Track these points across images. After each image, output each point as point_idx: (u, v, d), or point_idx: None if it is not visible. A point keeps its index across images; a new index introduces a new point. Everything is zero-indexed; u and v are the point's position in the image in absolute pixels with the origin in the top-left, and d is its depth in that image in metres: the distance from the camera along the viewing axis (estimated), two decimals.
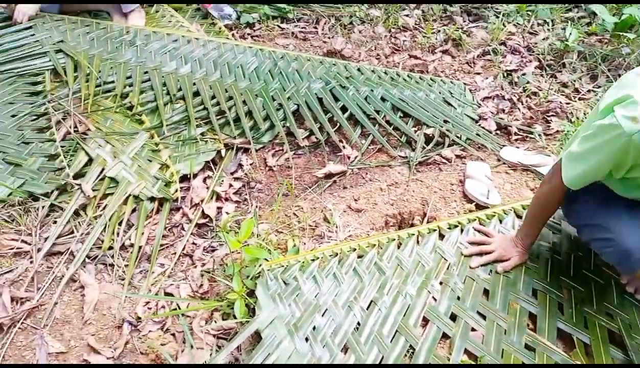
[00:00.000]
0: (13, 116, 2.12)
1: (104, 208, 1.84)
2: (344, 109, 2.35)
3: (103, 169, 1.94)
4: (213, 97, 2.34)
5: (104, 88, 2.31)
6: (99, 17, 2.89)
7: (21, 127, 2.08)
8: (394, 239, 1.64)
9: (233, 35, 2.90)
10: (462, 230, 1.71)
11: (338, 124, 2.28)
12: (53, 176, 1.89)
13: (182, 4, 3.15)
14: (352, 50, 2.80)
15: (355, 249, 1.59)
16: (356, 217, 1.83)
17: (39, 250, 1.70)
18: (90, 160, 1.98)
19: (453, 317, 1.46)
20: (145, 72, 2.43)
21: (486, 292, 1.55)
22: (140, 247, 1.74)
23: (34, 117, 2.14)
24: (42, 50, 2.48)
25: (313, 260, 1.55)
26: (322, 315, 1.42)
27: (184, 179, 2.00)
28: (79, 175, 1.93)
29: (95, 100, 2.24)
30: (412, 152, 2.15)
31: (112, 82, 2.35)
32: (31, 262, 1.67)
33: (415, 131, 2.26)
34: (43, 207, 1.81)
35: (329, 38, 2.93)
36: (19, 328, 1.49)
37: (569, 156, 1.33)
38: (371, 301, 1.47)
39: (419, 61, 2.77)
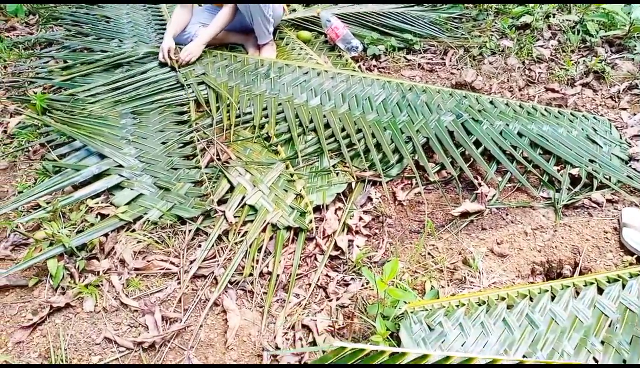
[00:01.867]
0: (163, 143, 2.30)
1: (244, 234, 1.91)
2: (476, 144, 2.26)
3: (243, 197, 2.02)
4: (343, 130, 2.37)
5: (242, 119, 2.44)
6: (235, 50, 3.09)
7: (170, 154, 2.24)
8: (547, 290, 1.52)
9: (359, 67, 2.94)
10: (623, 286, 1.54)
11: (471, 159, 2.20)
12: (199, 201, 2.01)
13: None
14: (483, 83, 2.70)
15: (504, 298, 1.50)
16: (500, 262, 1.72)
17: (185, 272, 1.80)
18: (231, 188, 2.08)
19: None
20: (279, 104, 2.54)
21: None
22: (277, 276, 1.78)
23: (181, 145, 2.30)
24: (186, 82, 2.68)
25: (458, 306, 1.48)
26: None
27: (316, 209, 2.03)
28: (220, 201, 2.04)
29: (235, 130, 2.37)
30: (556, 193, 2.00)
31: (250, 113, 2.48)
32: (178, 283, 1.77)
33: (559, 170, 2.11)
34: (190, 230, 1.93)
35: (457, 70, 2.87)
36: (169, 347, 1.57)
37: None
38: (524, 356, 1.36)
39: (556, 95, 2.61)
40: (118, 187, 2.08)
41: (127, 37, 3.13)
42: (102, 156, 2.19)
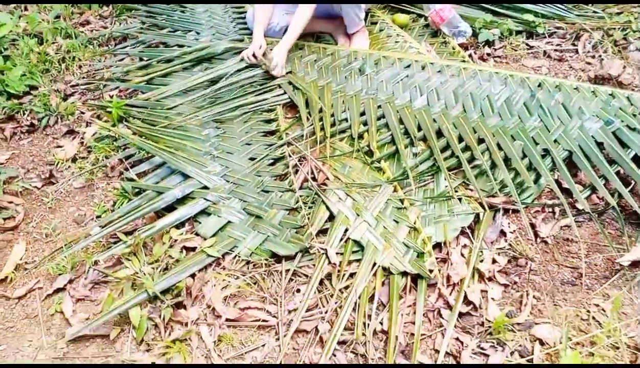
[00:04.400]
0: (251, 159, 2.00)
1: (350, 277, 1.59)
2: (635, 160, 1.79)
3: (346, 229, 1.69)
4: (460, 140, 1.96)
5: (338, 128, 2.08)
6: (322, 40, 2.72)
7: (259, 173, 1.95)
8: None
9: (470, 56, 2.49)
10: None
11: (632, 183, 1.73)
12: (295, 235, 1.70)
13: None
14: (632, 76, 2.18)
15: None
16: None
17: (285, 324, 1.51)
18: (330, 216, 1.76)
19: None
20: (379, 106, 2.16)
21: None
22: (396, 337, 1.45)
23: (271, 161, 2.00)
24: (273, 84, 2.36)
25: None
26: None
27: (434, 246, 1.67)
28: (319, 232, 1.72)
29: (330, 141, 2.03)
30: None
31: (346, 120, 2.12)
32: (277, 339, 1.49)
33: None
34: (286, 270, 1.63)
35: (594, 58, 2.34)
36: None
37: None
38: None
39: None
40: (203, 212, 1.82)
41: (204, 28, 2.86)
42: (184, 175, 1.93)
